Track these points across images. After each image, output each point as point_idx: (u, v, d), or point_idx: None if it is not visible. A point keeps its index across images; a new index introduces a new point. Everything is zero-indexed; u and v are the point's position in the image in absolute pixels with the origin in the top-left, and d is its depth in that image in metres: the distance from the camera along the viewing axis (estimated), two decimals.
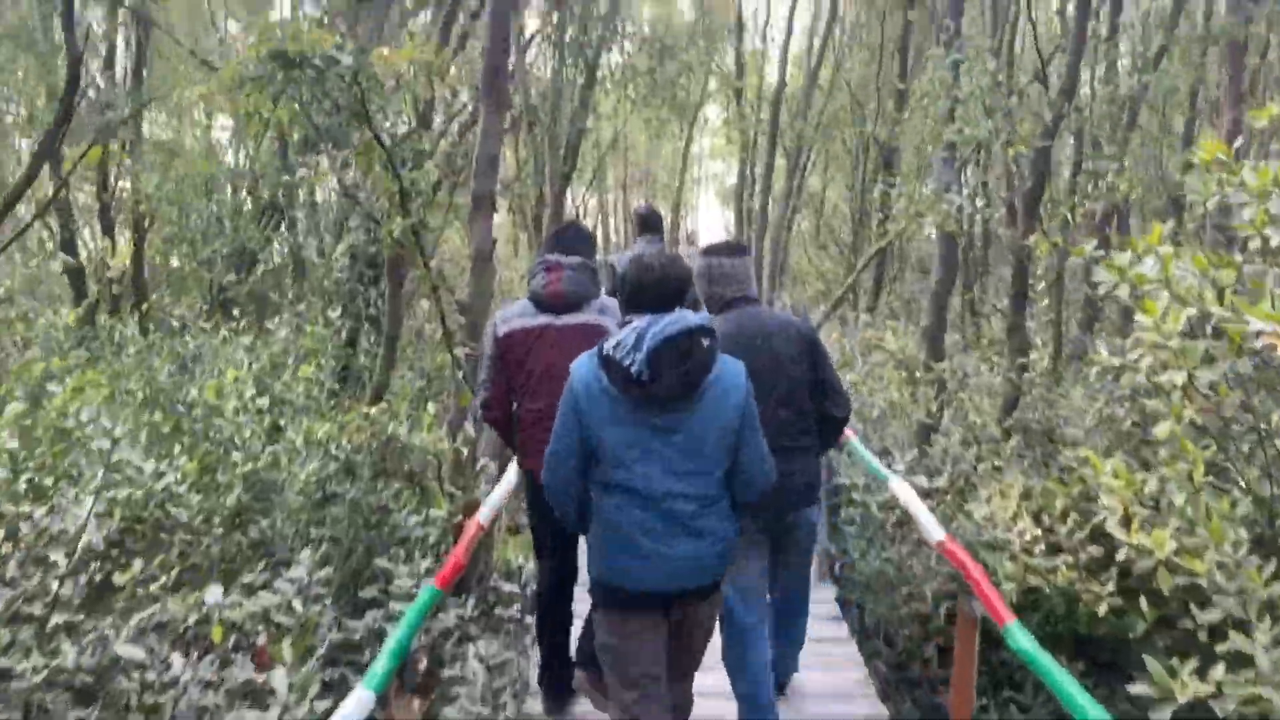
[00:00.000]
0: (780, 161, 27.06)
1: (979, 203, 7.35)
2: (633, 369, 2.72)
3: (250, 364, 8.44)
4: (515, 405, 3.83)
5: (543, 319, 3.74)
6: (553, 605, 4.10)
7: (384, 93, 4.85)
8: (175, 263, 14.27)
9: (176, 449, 6.29)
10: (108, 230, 14.51)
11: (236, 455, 6.35)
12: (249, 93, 4.59)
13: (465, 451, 5.52)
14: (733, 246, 3.85)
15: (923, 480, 6.03)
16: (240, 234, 12.49)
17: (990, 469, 7.03)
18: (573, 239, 3.88)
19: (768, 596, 3.83)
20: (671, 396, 2.77)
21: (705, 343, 2.78)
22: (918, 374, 9.22)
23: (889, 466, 6.45)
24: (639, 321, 2.78)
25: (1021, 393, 7.56)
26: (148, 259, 15.24)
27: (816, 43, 14.99)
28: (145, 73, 14.52)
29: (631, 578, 2.91)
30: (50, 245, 15.05)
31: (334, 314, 9.55)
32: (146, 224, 14.54)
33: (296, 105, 4.83)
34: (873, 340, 11.14)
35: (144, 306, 13.73)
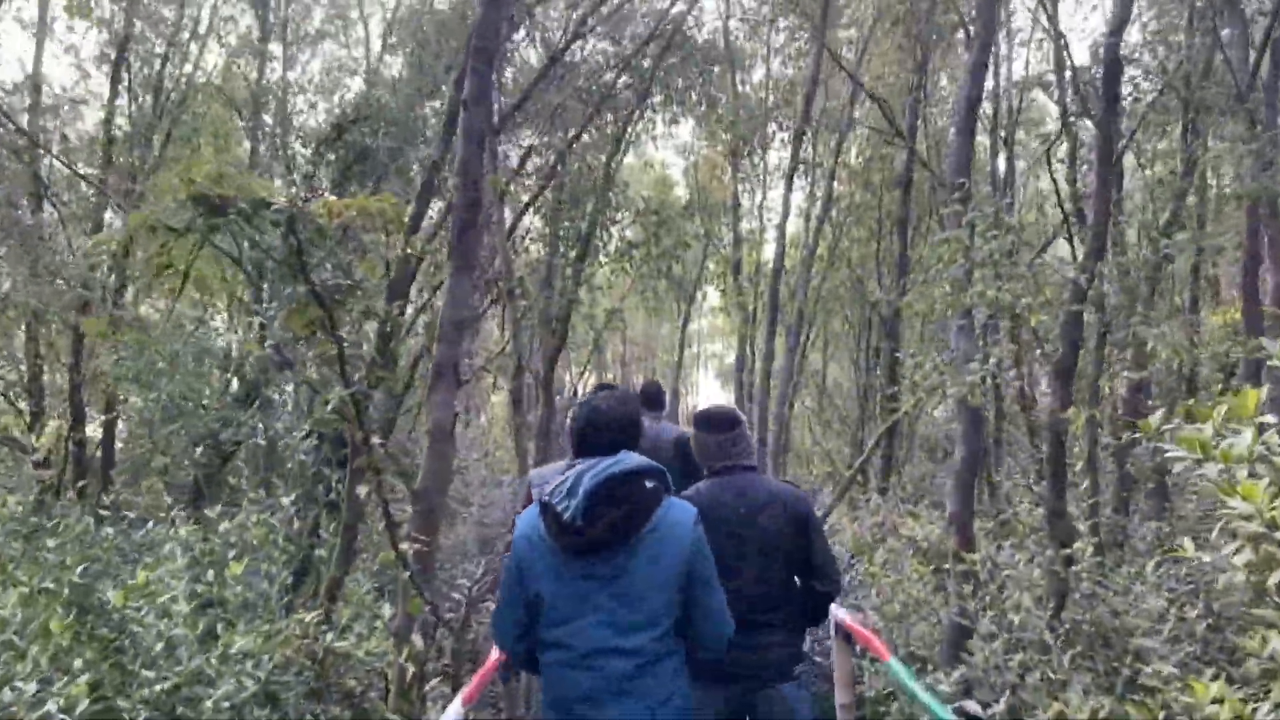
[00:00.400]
0: (779, 340, 26.98)
1: (1008, 373, 6.59)
2: (565, 515, 2.64)
3: (188, 557, 7.46)
4: None
5: None
6: None
7: (329, 245, 4.18)
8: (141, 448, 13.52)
9: (78, 664, 5.27)
10: (77, 413, 13.86)
11: (148, 672, 5.32)
12: (164, 242, 3.92)
13: (412, 670, 4.51)
14: (721, 420, 3.76)
15: (975, 707, 4.96)
16: (208, 416, 11.77)
17: (1042, 682, 5.97)
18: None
19: None
20: (605, 541, 2.64)
21: (648, 484, 2.70)
22: (945, 565, 8.24)
23: (920, 674, 5.94)
24: (579, 466, 2.72)
25: (1070, 588, 6.56)
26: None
27: (814, 220, 14.79)
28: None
29: None
30: (18, 428, 14.37)
31: (288, 499, 8.63)
32: (118, 405, 13.91)
33: (228, 257, 4.14)
34: (893, 525, 10.18)
35: (108, 493, 12.90)
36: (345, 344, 4.16)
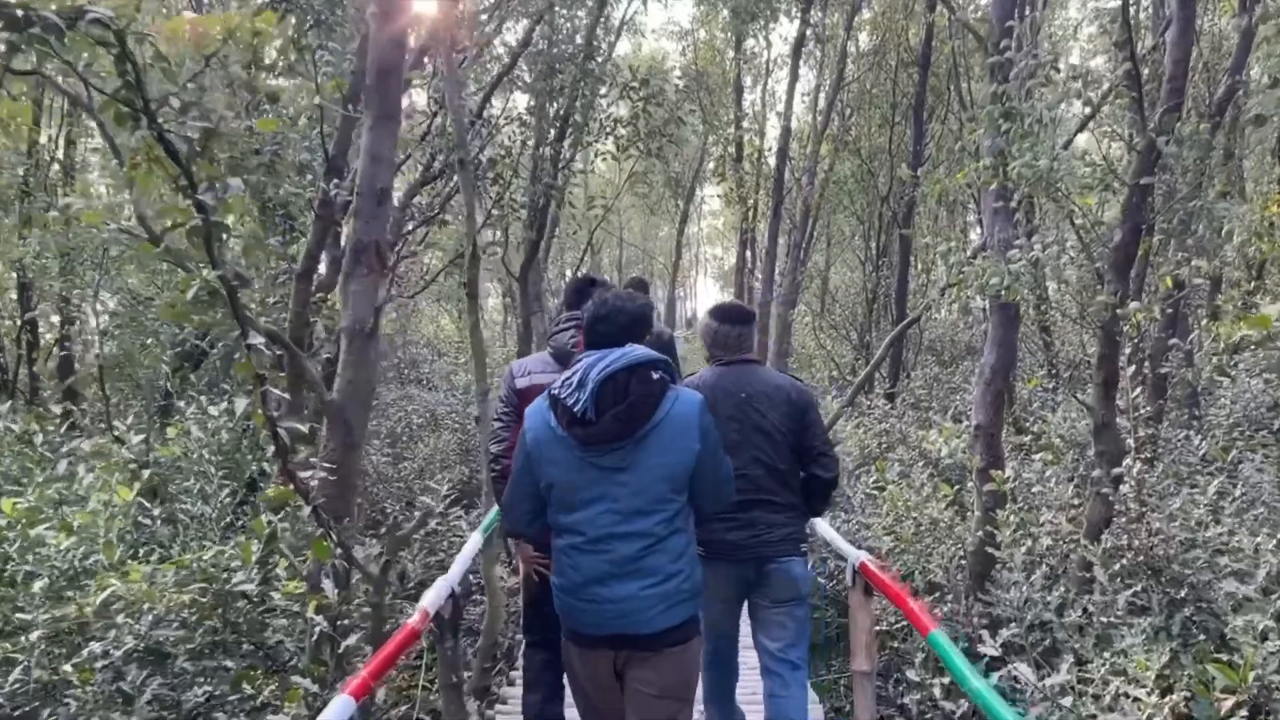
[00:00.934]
0: (781, 240, 25.72)
1: (1062, 259, 5.52)
2: (575, 408, 2.71)
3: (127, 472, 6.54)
4: None
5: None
6: (547, 696, 3.82)
7: (175, 74, 3.10)
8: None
9: None
10: (28, 318, 12.86)
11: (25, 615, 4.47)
12: None
13: (322, 624, 3.61)
14: (739, 314, 3.89)
15: (1027, 672, 4.09)
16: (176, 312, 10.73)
17: (1086, 620, 5.12)
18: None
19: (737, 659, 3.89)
20: (614, 434, 2.72)
21: (654, 376, 2.76)
22: (969, 484, 7.38)
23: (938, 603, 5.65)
24: (587, 359, 2.80)
25: (1115, 513, 5.66)
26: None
27: (823, 102, 13.47)
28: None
29: (580, 620, 2.85)
30: None
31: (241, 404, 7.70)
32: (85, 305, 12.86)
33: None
34: (902, 433, 9.32)
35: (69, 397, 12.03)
36: (210, 212, 3.10)
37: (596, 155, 10.00)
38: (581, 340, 3.35)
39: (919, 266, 16.46)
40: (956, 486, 6.98)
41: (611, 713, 2.97)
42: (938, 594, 6.42)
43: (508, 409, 3.74)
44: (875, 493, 9.26)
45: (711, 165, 21.25)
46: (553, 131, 9.17)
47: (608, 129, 9.60)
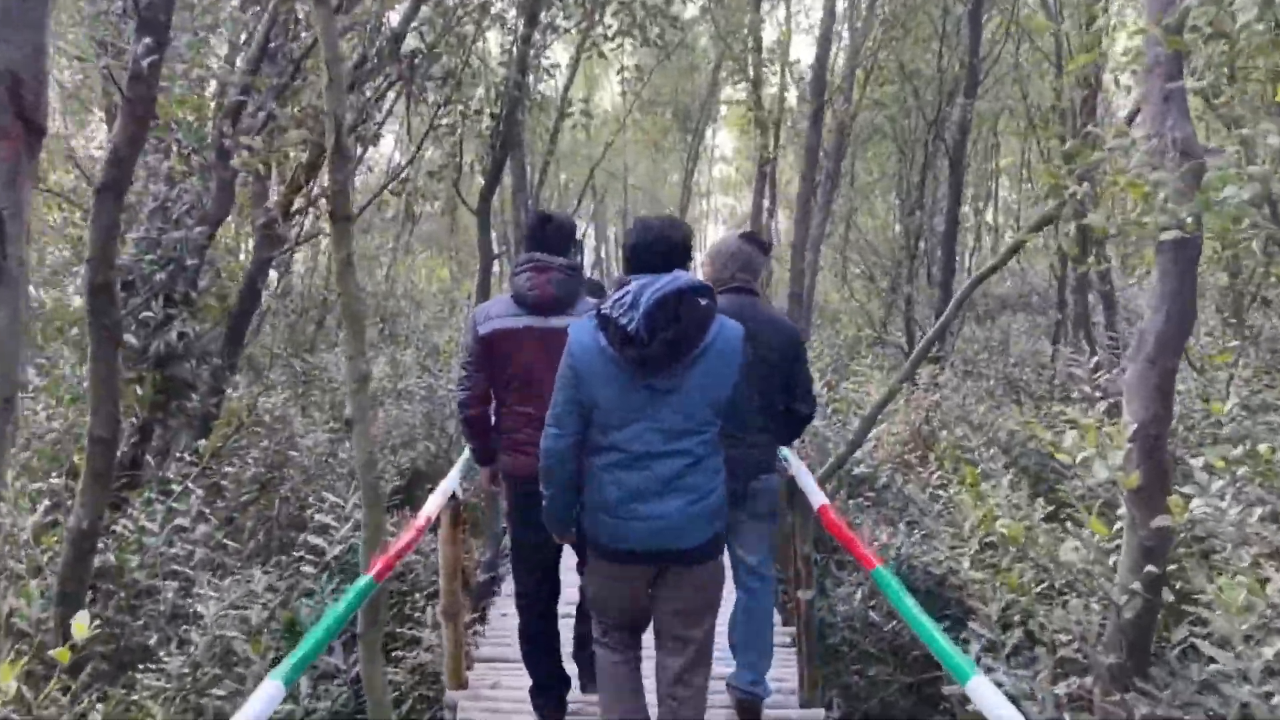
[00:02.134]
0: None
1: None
2: (629, 327, 2.75)
3: None
4: (497, 405, 3.78)
5: (527, 320, 3.62)
6: (540, 628, 3.92)
7: None
8: None
9: None
10: None
11: None
12: None
13: None
14: (764, 243, 4.19)
15: None
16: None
17: None
18: (555, 237, 3.72)
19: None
20: (666, 356, 2.77)
21: (702, 302, 2.81)
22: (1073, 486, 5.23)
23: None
24: (636, 281, 2.83)
25: None
26: None
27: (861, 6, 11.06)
28: None
29: (617, 536, 2.92)
30: None
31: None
32: None
33: None
34: (991, 424, 7.16)
35: None
36: None
37: (582, 48, 7.74)
38: (542, 284, 3.57)
39: (984, 198, 14.18)
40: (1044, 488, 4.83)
41: (633, 631, 3.17)
42: (1067, 671, 4.30)
43: (471, 358, 3.73)
44: (941, 492, 7.16)
45: (728, 86, 18.80)
46: (515, 10, 6.84)
47: (589, 28, 7.28)
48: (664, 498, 2.83)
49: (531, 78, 8.09)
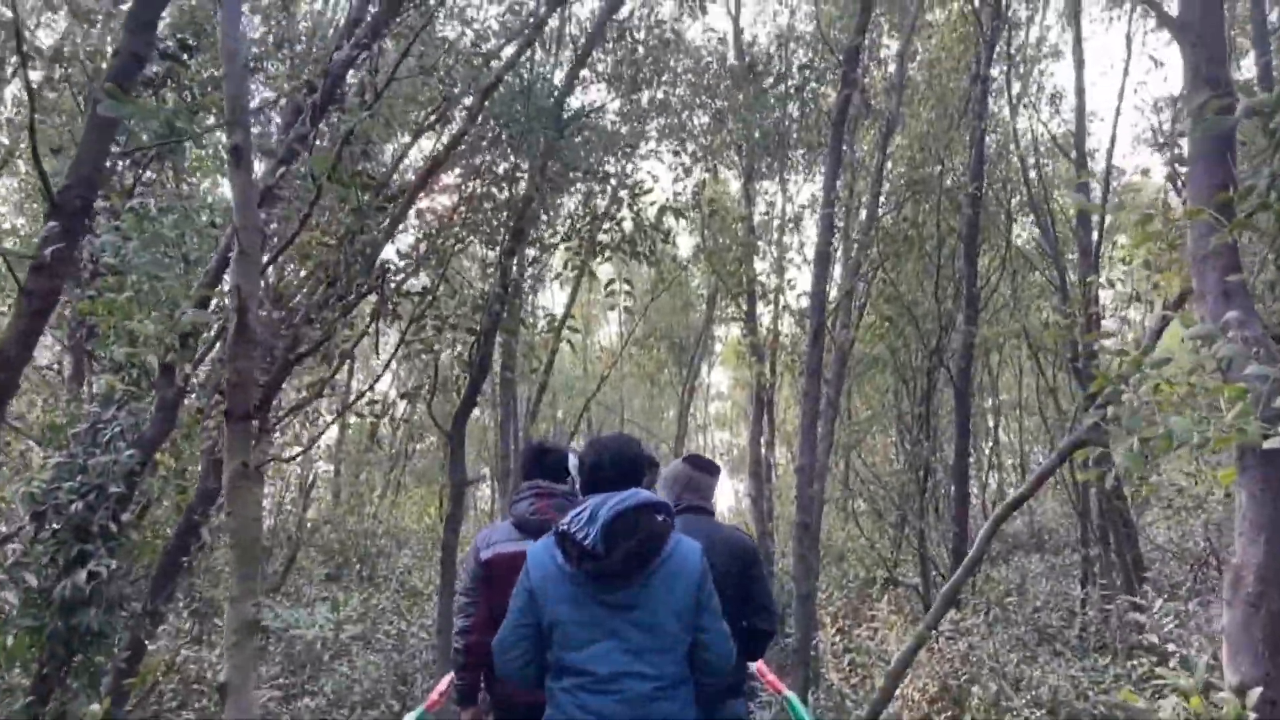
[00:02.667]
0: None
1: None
2: (586, 542, 2.72)
3: None
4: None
5: (527, 543, 3.38)
6: None
7: None
8: None
9: None
10: None
11: None
12: None
13: None
14: (710, 464, 4.04)
15: None
16: None
17: None
18: (554, 466, 3.85)
19: None
20: (624, 570, 2.74)
21: (659, 518, 2.80)
22: None
23: None
24: (594, 499, 2.82)
25: None
26: None
27: (855, 236, 11.02)
28: None
29: None
30: None
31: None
32: None
33: None
34: (1036, 684, 6.15)
35: None
36: None
37: (566, 264, 7.39)
38: (544, 509, 3.66)
39: (983, 434, 13.60)
40: None
41: None
42: None
43: (472, 584, 3.71)
44: None
45: (721, 325, 18.74)
46: (501, 221, 6.44)
47: (576, 222, 6.95)
48: None
49: (518, 300, 7.80)
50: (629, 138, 9.94)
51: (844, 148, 9.85)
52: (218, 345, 5.73)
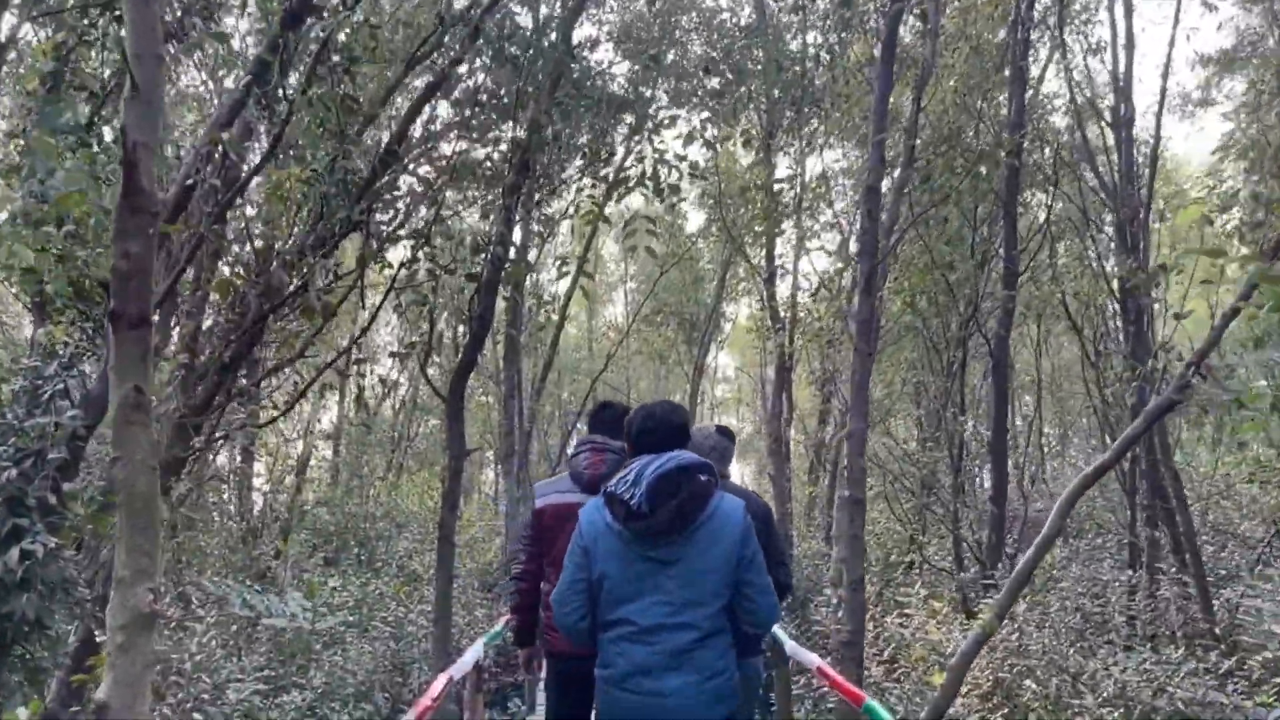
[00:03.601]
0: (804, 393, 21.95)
1: None
2: (632, 502, 2.89)
3: None
4: (545, 583, 3.79)
5: (580, 497, 3.66)
6: None
7: None
8: None
9: None
10: None
11: None
12: None
13: None
14: (732, 434, 4.52)
15: None
16: None
17: None
18: (612, 422, 3.91)
19: None
20: (667, 528, 2.88)
21: (702, 479, 2.95)
22: None
23: None
24: (640, 461, 3.00)
25: None
26: None
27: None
28: None
29: (620, 712, 2.92)
30: None
31: None
32: None
33: None
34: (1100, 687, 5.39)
35: None
36: None
37: (576, 208, 6.61)
38: (597, 464, 3.79)
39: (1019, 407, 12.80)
40: None
41: None
42: None
43: (527, 533, 3.89)
44: None
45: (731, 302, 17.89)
46: (505, 155, 5.58)
47: (590, 159, 6.13)
48: (671, 674, 2.85)
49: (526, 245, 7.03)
50: (639, 104, 9.17)
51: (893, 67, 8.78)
52: (176, 286, 4.95)
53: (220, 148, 4.84)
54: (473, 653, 4.62)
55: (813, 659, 4.64)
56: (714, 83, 12.30)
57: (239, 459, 12.88)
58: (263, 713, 7.82)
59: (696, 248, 20.55)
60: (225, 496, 13.09)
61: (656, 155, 6.65)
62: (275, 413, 5.87)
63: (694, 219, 22.62)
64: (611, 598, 2.92)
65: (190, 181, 4.83)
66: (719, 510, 2.93)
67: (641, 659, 2.85)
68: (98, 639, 5.08)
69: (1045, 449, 16.76)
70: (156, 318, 6.48)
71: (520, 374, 14.19)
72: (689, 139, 7.79)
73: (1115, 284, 11.28)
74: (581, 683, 3.44)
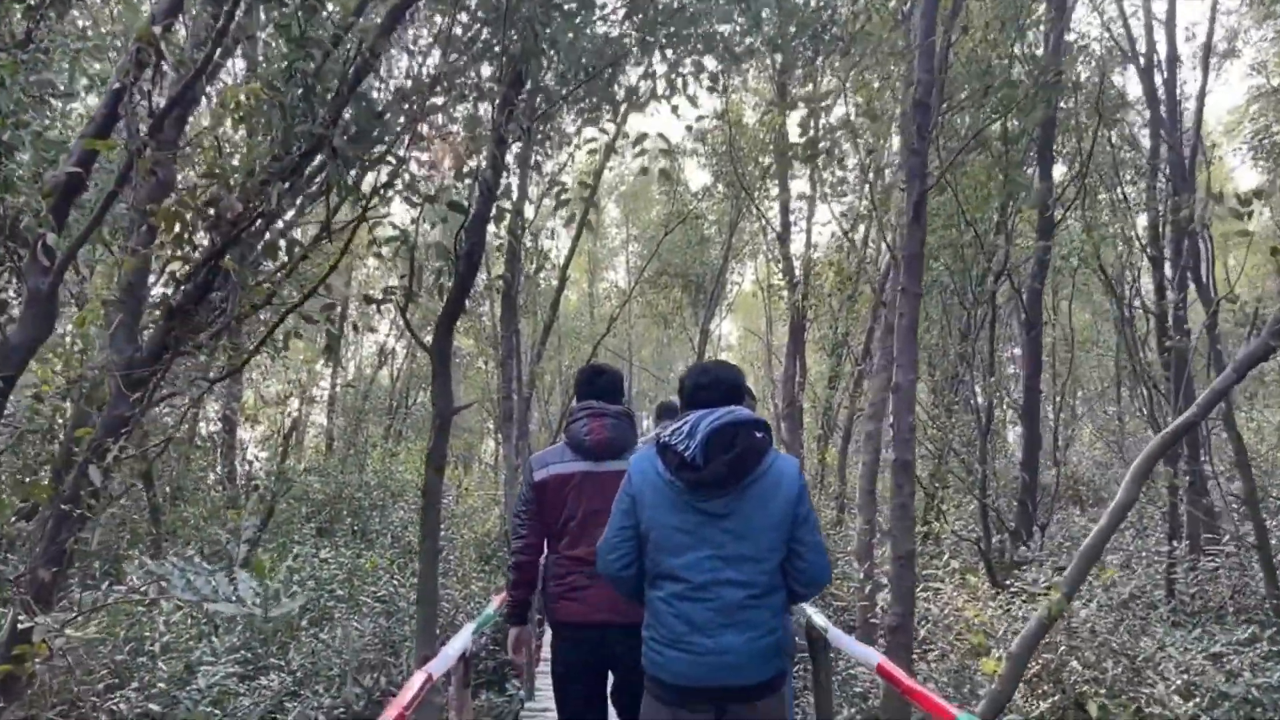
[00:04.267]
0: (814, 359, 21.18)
1: None
2: (686, 454, 2.86)
3: None
4: (547, 552, 3.79)
5: (582, 465, 3.70)
6: None
7: None
8: None
9: None
10: None
11: None
12: None
13: None
14: (752, 394, 4.34)
15: None
16: None
17: None
18: (607, 386, 3.88)
19: None
20: (720, 481, 2.85)
21: (757, 434, 2.91)
22: None
23: None
24: (695, 414, 2.96)
25: None
26: None
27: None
28: None
29: (674, 671, 2.87)
30: None
31: None
32: None
33: None
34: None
35: None
36: None
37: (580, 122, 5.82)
38: (598, 430, 3.69)
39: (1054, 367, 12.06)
40: None
41: None
42: None
43: (526, 506, 3.76)
44: None
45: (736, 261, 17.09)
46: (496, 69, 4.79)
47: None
48: (726, 631, 2.80)
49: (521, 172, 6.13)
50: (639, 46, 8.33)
51: None
52: (107, 214, 4.21)
53: (154, 48, 4.07)
54: (459, 642, 3.94)
55: (869, 654, 3.94)
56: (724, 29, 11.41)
57: (219, 424, 12.16)
58: (239, 698, 7.18)
59: (701, 207, 19.74)
60: (209, 463, 12.41)
61: (669, 69, 5.88)
62: (234, 365, 5.16)
63: (697, 180, 21.79)
64: (660, 550, 2.87)
65: (118, 85, 4.08)
66: (774, 466, 2.89)
67: (696, 617, 2.80)
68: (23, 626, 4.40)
69: (1072, 411, 16.00)
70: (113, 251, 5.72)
71: (519, 336, 13.46)
72: (696, 71, 7.00)
73: (1149, 233, 10.56)
74: (591, 654, 3.56)
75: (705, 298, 20.14)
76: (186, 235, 4.85)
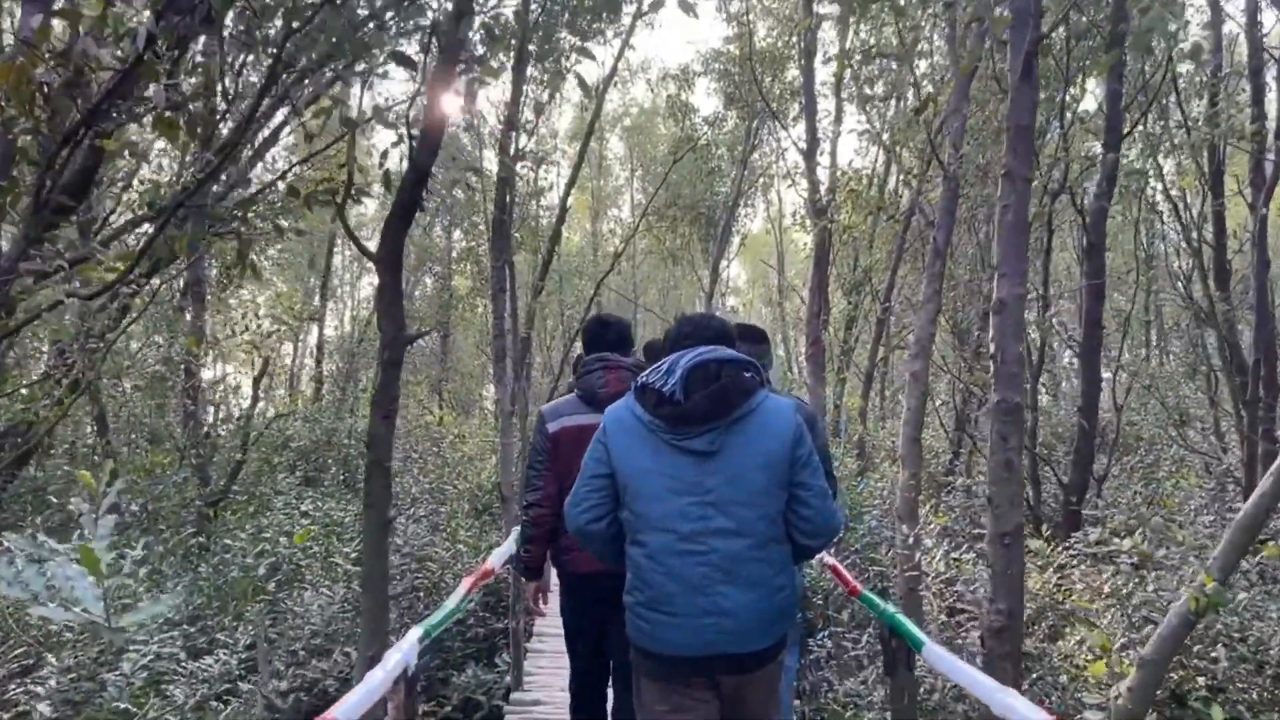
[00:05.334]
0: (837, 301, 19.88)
1: None
2: (664, 389, 2.64)
3: None
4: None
5: (596, 416, 3.33)
6: (592, 694, 3.93)
7: None
8: None
9: None
10: None
11: None
12: None
13: None
14: (760, 331, 4.05)
15: None
16: None
17: None
18: (616, 339, 3.87)
19: None
20: (705, 415, 2.60)
21: (746, 373, 2.69)
22: None
23: None
24: (675, 354, 2.73)
25: None
26: None
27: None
28: None
29: (664, 640, 2.56)
30: None
31: None
32: None
33: None
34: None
35: None
36: None
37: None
38: (613, 382, 3.65)
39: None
40: None
41: None
42: None
43: (539, 457, 3.71)
44: None
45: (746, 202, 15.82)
46: None
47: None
48: (724, 588, 2.48)
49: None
50: None
51: None
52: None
53: None
54: (398, 657, 2.93)
55: (990, 689, 2.63)
56: None
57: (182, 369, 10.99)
58: (178, 681, 6.13)
59: (711, 135, 18.34)
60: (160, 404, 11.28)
61: None
62: (110, 277, 3.95)
63: (707, 106, 20.32)
64: (640, 498, 2.58)
65: None
66: (766, 404, 2.65)
67: (689, 573, 2.49)
68: None
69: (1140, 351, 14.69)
70: None
71: (512, 268, 12.24)
72: None
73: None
74: (603, 604, 3.44)
75: (715, 233, 18.81)
76: (42, 104, 3.63)
